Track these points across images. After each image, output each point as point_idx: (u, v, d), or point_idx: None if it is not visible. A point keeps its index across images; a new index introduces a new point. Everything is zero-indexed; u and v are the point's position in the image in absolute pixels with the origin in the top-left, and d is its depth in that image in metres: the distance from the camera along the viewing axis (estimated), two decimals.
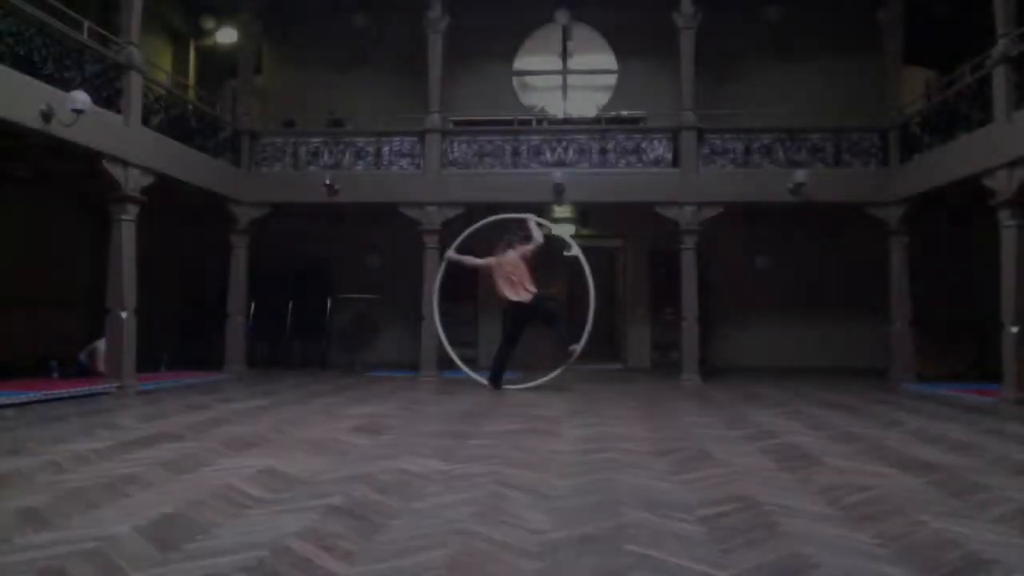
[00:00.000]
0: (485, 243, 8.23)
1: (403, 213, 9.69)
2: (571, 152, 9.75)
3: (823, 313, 11.20)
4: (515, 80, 11.84)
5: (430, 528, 2.66)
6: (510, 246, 7.87)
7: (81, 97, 6.17)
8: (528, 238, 7.83)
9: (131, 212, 7.38)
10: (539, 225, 8.02)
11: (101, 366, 7.57)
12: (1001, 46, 6.96)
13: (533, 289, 7.66)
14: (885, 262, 9.53)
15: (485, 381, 7.97)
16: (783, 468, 3.81)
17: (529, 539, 2.54)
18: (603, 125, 9.99)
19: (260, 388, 7.85)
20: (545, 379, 7.95)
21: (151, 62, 8.57)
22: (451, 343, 8.54)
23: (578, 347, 7.63)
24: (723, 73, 11.25)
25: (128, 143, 7.30)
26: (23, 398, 6.09)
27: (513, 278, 7.65)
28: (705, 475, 3.62)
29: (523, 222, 8.06)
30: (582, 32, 11.77)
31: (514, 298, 7.64)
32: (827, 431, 5.12)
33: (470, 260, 8.13)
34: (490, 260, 7.89)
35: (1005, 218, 6.93)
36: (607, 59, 11.76)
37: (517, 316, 7.77)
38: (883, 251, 9.55)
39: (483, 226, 8.40)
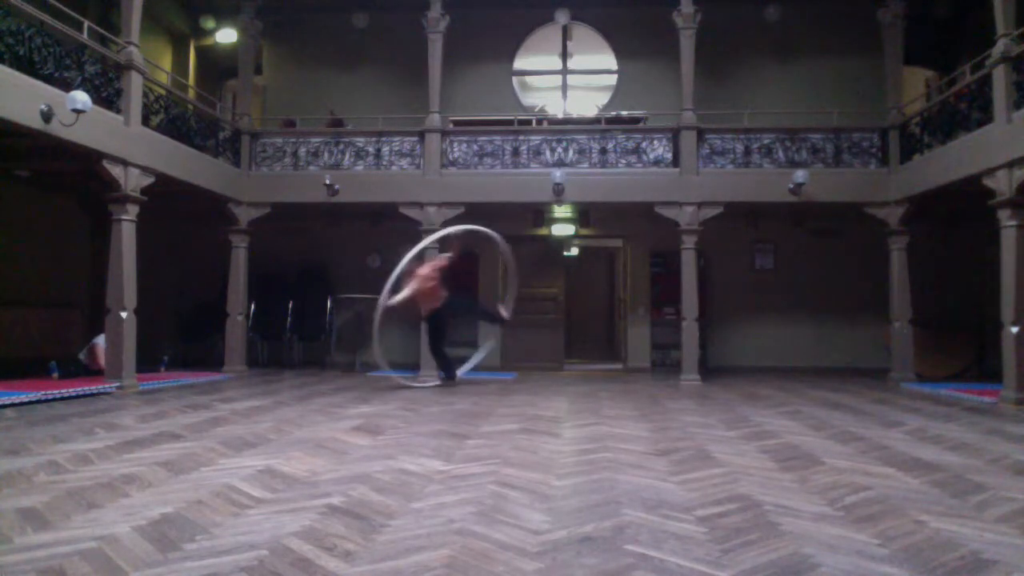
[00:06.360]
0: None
1: (403, 213, 9.70)
2: (571, 152, 9.75)
3: (823, 313, 11.21)
4: (515, 80, 11.84)
5: (430, 528, 2.66)
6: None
7: (81, 97, 6.16)
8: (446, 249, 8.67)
9: (131, 212, 7.38)
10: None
11: (101, 361, 7.56)
12: (1001, 46, 6.96)
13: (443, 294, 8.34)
14: (885, 262, 9.54)
15: (440, 380, 8.59)
16: (783, 468, 3.81)
17: (529, 539, 2.54)
18: (603, 125, 9.97)
19: (260, 388, 7.85)
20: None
21: (151, 62, 8.56)
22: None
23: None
24: (723, 73, 11.26)
25: (128, 143, 7.30)
26: (23, 398, 6.09)
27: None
28: (705, 475, 3.62)
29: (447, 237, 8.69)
30: (582, 32, 11.77)
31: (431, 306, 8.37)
32: (827, 431, 5.13)
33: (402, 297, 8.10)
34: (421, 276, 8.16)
35: (1005, 218, 6.93)
36: (607, 59, 11.75)
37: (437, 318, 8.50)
38: (883, 251, 9.56)
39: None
